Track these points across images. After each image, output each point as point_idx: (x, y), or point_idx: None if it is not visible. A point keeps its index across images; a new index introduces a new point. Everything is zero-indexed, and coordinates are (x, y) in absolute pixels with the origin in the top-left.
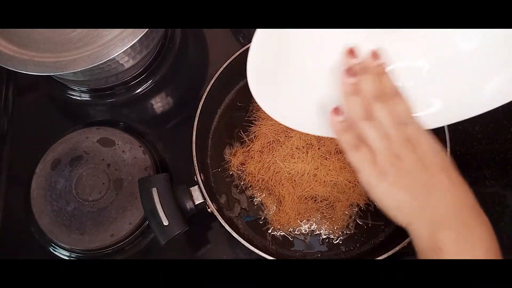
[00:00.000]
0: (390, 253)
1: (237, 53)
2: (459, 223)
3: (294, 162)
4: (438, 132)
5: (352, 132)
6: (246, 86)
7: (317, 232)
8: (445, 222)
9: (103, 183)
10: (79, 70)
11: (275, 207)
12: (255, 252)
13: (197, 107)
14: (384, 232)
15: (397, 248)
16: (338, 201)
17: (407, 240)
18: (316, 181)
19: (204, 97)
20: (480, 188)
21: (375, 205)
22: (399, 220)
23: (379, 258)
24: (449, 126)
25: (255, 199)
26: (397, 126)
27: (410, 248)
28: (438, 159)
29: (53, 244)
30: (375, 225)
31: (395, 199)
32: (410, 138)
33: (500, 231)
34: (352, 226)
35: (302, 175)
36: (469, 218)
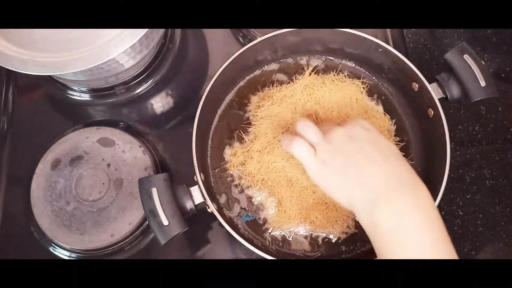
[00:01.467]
0: None
1: (237, 53)
2: (392, 197)
3: (294, 163)
4: (438, 132)
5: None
6: (246, 86)
7: (317, 232)
8: (379, 198)
9: (103, 183)
10: (79, 70)
11: (274, 207)
12: (255, 252)
13: (197, 107)
14: None
15: None
16: None
17: None
18: None
19: (204, 97)
20: (480, 188)
21: None
22: (343, 203)
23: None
24: (449, 126)
25: (255, 199)
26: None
27: None
28: (374, 140)
29: (53, 244)
30: None
31: (334, 183)
32: (347, 131)
33: (501, 231)
34: (352, 225)
35: (302, 175)
36: (402, 190)
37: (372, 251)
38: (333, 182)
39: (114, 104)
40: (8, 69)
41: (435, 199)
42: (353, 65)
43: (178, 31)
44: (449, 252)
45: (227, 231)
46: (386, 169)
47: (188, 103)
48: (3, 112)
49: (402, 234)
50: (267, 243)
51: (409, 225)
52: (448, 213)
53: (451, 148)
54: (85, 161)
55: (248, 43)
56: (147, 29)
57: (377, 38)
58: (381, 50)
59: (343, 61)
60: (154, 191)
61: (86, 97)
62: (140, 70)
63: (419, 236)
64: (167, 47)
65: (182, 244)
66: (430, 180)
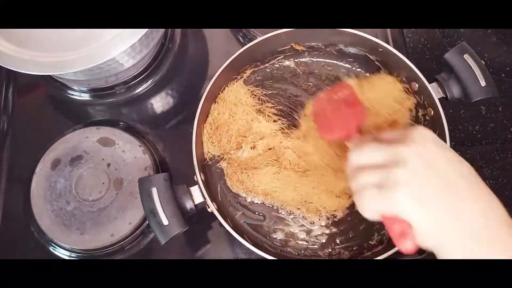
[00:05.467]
0: (390, 252)
1: (237, 53)
2: (493, 239)
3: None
4: (438, 132)
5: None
6: None
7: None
8: (476, 247)
9: (103, 183)
10: (79, 70)
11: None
12: (255, 252)
13: (197, 107)
14: (384, 232)
15: (395, 249)
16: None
17: None
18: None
19: (204, 97)
20: None
21: None
22: (428, 244)
23: (379, 258)
24: (449, 126)
25: (254, 201)
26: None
27: None
28: (453, 161)
29: (53, 244)
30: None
31: (414, 213)
32: (420, 153)
33: None
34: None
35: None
36: (502, 233)
37: (372, 249)
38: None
39: (114, 104)
40: (8, 69)
41: None
42: (350, 66)
43: (178, 31)
44: None
45: (227, 231)
46: (480, 203)
47: (188, 103)
48: (3, 112)
49: None
50: (267, 242)
51: None
52: None
53: (451, 148)
54: (85, 161)
55: (248, 43)
56: (147, 29)
57: (377, 38)
58: (381, 50)
59: (340, 62)
60: (154, 191)
61: (86, 97)
62: (140, 70)
63: None
64: (167, 47)
65: (182, 244)
66: None
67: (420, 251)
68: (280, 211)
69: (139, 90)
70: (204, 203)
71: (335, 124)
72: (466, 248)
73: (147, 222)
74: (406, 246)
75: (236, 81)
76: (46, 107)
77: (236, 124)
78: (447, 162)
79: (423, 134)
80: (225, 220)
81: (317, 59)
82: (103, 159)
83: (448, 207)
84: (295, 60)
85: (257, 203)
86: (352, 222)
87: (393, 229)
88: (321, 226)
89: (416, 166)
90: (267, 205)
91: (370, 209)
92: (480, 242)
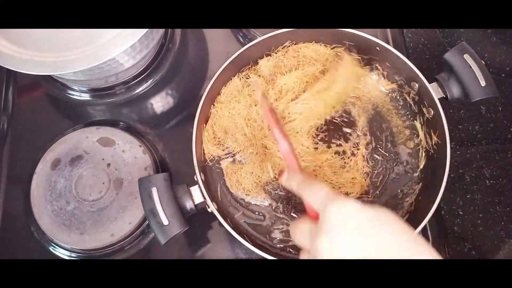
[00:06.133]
0: None
1: (237, 53)
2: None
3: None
4: (438, 132)
5: None
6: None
7: None
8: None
9: (103, 183)
10: (79, 70)
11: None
12: (255, 252)
13: (197, 107)
14: None
15: None
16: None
17: None
18: None
19: (204, 97)
20: (480, 188)
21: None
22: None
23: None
24: (449, 126)
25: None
26: None
27: None
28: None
29: (53, 244)
30: None
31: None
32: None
33: (501, 231)
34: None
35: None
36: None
37: None
38: None
39: (114, 104)
40: (8, 69)
41: (435, 199)
42: None
43: (178, 31)
44: None
45: (227, 231)
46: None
47: (188, 103)
48: (3, 112)
49: None
50: (268, 242)
51: None
52: (448, 213)
53: (451, 148)
54: (85, 161)
55: (248, 43)
56: (147, 29)
57: (377, 38)
58: (381, 50)
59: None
60: (154, 190)
61: (86, 97)
62: (140, 70)
63: None
64: (167, 47)
65: (182, 244)
66: (430, 180)
67: None
68: (279, 211)
69: (139, 90)
70: (204, 203)
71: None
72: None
73: (147, 222)
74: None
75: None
76: (46, 107)
77: (240, 117)
78: (362, 246)
79: (337, 219)
80: (225, 220)
81: None
82: (103, 159)
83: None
84: None
85: (256, 204)
86: None
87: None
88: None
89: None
90: (266, 205)
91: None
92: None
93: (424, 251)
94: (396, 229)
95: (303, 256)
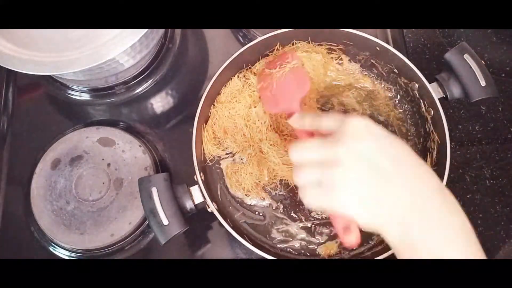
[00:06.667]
0: (390, 252)
1: (237, 53)
2: (422, 217)
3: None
4: (438, 132)
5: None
6: None
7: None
8: (407, 219)
9: (103, 183)
10: (79, 70)
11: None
12: (255, 252)
13: (197, 107)
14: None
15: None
16: None
17: None
18: None
19: (204, 97)
20: (480, 188)
21: None
22: (371, 228)
23: (379, 258)
24: (449, 126)
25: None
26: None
27: None
28: (389, 155)
29: (53, 244)
30: None
31: (353, 208)
32: (357, 150)
33: (501, 231)
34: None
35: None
36: (433, 209)
37: (372, 248)
38: (354, 210)
39: (114, 104)
40: (8, 69)
41: None
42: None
43: (178, 31)
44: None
45: (227, 231)
46: (408, 185)
47: (188, 103)
48: (3, 112)
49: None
50: (268, 242)
51: (451, 248)
52: None
53: (451, 148)
54: (85, 161)
55: (248, 43)
56: (147, 29)
57: (377, 38)
58: (380, 50)
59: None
60: (154, 190)
61: (86, 97)
62: (140, 70)
63: (455, 250)
64: (167, 47)
65: (182, 244)
66: None
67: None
68: (279, 211)
69: (139, 90)
70: (204, 203)
71: (279, 97)
72: (403, 223)
73: (147, 222)
74: (349, 240)
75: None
76: (46, 107)
77: (240, 117)
78: (379, 151)
79: (356, 126)
80: (225, 220)
81: None
82: (103, 159)
83: (381, 195)
84: None
85: (256, 204)
86: None
87: (337, 223)
88: (321, 226)
89: (350, 164)
90: (266, 205)
91: (313, 205)
92: (412, 214)
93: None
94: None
95: (306, 192)
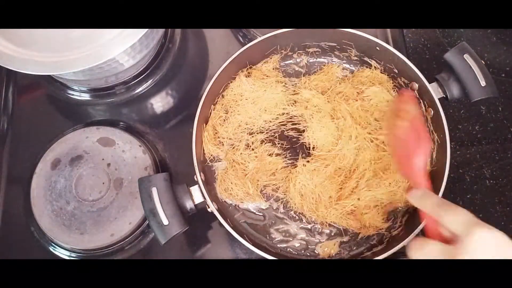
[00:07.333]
0: (390, 252)
1: (237, 53)
2: None
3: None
4: (438, 132)
5: None
6: None
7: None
8: None
9: (103, 183)
10: (79, 70)
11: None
12: (255, 252)
13: (197, 107)
14: (384, 232)
15: (395, 249)
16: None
17: (406, 241)
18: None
19: (204, 97)
20: (480, 188)
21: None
22: None
23: (379, 258)
24: (449, 126)
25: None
26: None
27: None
28: None
29: (53, 244)
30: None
31: None
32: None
33: (501, 230)
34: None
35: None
36: None
37: (371, 248)
38: None
39: (114, 104)
40: (8, 69)
41: None
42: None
43: (178, 31)
44: None
45: (227, 231)
46: None
47: (188, 103)
48: (3, 112)
49: None
50: (268, 242)
51: None
52: None
53: (451, 148)
54: (85, 161)
55: (248, 43)
56: (147, 29)
57: (377, 38)
58: (381, 50)
59: (343, 62)
60: (154, 190)
61: (86, 97)
62: (140, 70)
63: None
64: (167, 47)
65: (182, 244)
66: (431, 180)
67: None
68: (279, 211)
69: (139, 90)
70: (204, 203)
71: (403, 160)
72: None
73: (147, 222)
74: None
75: (238, 78)
76: (46, 107)
77: (237, 119)
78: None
79: (485, 240)
80: (225, 220)
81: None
82: (103, 159)
83: None
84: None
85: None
86: None
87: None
88: (321, 226)
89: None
90: (265, 208)
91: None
92: None
93: None
94: None
95: None
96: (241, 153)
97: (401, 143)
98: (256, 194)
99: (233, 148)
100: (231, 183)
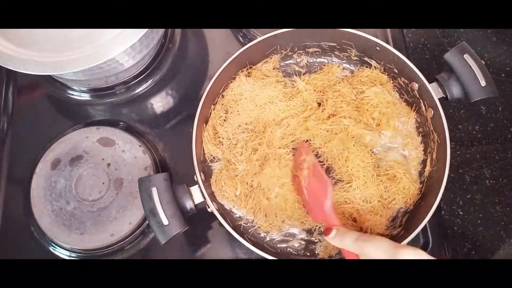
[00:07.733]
0: None
1: (237, 53)
2: None
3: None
4: (438, 132)
5: None
6: None
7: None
8: None
9: (103, 183)
10: (79, 70)
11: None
12: (255, 252)
13: (197, 107)
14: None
15: None
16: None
17: (406, 241)
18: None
19: (204, 97)
20: (480, 188)
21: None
22: None
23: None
24: (449, 125)
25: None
26: None
27: None
28: None
29: (53, 244)
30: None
31: None
32: None
33: (501, 231)
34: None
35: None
36: None
37: None
38: None
39: (114, 104)
40: (8, 69)
41: (435, 199)
42: (351, 66)
43: (178, 31)
44: None
45: (227, 231)
46: None
47: (188, 103)
48: (3, 112)
49: None
50: (268, 242)
51: None
52: (448, 213)
53: (451, 148)
54: (85, 161)
55: (248, 43)
56: (147, 29)
57: (377, 38)
58: (381, 50)
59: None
60: (154, 190)
61: (86, 97)
62: (140, 70)
63: None
64: (167, 47)
65: (182, 244)
66: (431, 180)
67: None
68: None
69: (139, 90)
70: (204, 203)
71: (313, 207)
72: None
73: (147, 222)
74: None
75: (238, 78)
76: (46, 107)
77: (237, 119)
78: None
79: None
80: (225, 220)
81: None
82: (103, 159)
83: None
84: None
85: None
86: None
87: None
88: (321, 226)
89: None
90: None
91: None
92: None
93: None
94: None
95: None
96: (234, 153)
97: (307, 192)
98: (242, 198)
99: (229, 146)
100: (224, 184)
